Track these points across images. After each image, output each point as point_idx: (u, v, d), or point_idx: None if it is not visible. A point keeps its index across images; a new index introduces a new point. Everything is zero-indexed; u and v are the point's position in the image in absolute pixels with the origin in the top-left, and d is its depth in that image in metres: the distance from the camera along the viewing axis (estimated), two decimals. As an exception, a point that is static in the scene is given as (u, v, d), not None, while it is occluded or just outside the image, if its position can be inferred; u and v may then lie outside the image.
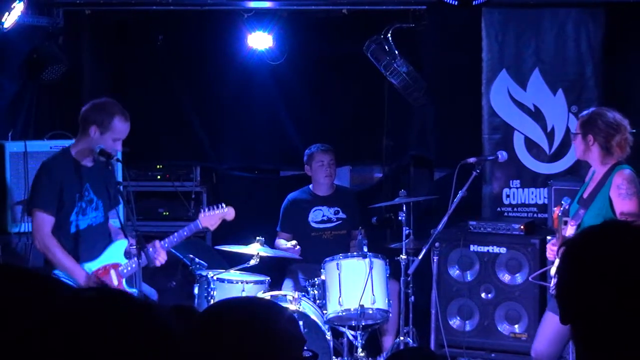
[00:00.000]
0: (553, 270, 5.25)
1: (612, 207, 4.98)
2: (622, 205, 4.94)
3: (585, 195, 5.15)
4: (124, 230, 5.17)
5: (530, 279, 6.07)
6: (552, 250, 5.24)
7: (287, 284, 6.55)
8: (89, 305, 1.52)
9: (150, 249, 5.13)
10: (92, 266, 5.22)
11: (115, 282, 5.27)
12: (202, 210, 5.69)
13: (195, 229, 5.53)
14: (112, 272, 5.29)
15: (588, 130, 5.06)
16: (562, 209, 5.06)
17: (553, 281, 5.16)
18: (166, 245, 5.36)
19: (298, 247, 6.49)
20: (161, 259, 5.27)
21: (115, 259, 5.31)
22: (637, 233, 1.95)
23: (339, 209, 6.86)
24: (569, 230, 5.10)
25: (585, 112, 5.18)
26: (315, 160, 6.82)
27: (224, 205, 5.67)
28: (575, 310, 1.94)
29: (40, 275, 1.86)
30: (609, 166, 5.07)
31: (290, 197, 6.93)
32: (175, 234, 5.43)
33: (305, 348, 2.26)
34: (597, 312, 1.89)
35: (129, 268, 5.25)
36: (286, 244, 6.58)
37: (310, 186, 6.94)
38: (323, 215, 6.85)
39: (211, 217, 5.61)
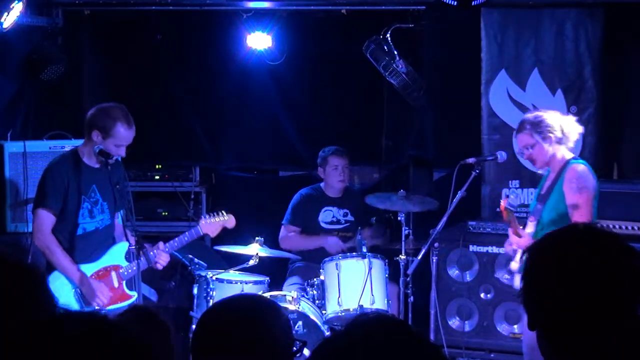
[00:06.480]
0: (514, 266, 5.36)
1: (564, 200, 5.10)
2: (571, 197, 5.06)
3: (543, 192, 5.31)
4: (126, 231, 5.16)
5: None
6: (509, 245, 5.37)
7: (296, 278, 6.55)
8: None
9: (154, 251, 5.15)
10: (92, 268, 5.23)
11: (115, 284, 5.28)
12: (202, 217, 5.71)
13: (196, 235, 5.55)
14: (113, 273, 5.29)
15: (542, 131, 5.17)
16: (508, 201, 5.25)
17: (516, 279, 5.22)
18: (167, 250, 5.36)
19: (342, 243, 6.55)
20: (162, 261, 5.28)
21: (116, 261, 5.32)
22: (598, 237, 1.93)
23: (347, 211, 6.85)
24: (530, 227, 5.32)
25: (527, 119, 5.28)
26: (329, 164, 6.78)
27: (224, 212, 5.69)
28: (539, 317, 1.92)
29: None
30: (564, 161, 5.22)
31: (303, 192, 6.89)
32: (177, 238, 5.45)
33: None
34: (560, 319, 1.86)
35: (130, 270, 5.25)
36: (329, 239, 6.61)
37: (322, 185, 6.90)
38: (333, 217, 6.83)
39: (212, 224, 5.63)
